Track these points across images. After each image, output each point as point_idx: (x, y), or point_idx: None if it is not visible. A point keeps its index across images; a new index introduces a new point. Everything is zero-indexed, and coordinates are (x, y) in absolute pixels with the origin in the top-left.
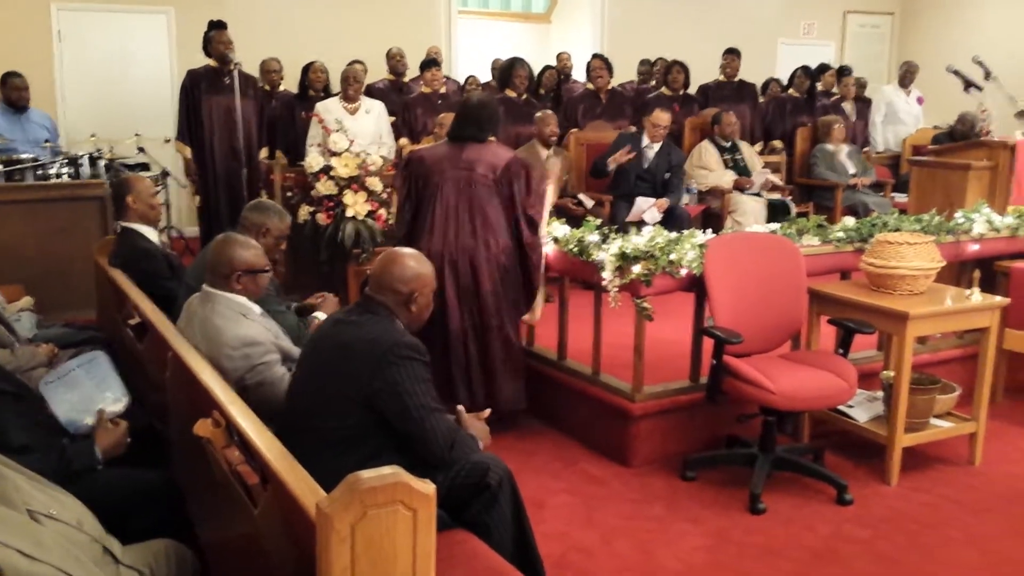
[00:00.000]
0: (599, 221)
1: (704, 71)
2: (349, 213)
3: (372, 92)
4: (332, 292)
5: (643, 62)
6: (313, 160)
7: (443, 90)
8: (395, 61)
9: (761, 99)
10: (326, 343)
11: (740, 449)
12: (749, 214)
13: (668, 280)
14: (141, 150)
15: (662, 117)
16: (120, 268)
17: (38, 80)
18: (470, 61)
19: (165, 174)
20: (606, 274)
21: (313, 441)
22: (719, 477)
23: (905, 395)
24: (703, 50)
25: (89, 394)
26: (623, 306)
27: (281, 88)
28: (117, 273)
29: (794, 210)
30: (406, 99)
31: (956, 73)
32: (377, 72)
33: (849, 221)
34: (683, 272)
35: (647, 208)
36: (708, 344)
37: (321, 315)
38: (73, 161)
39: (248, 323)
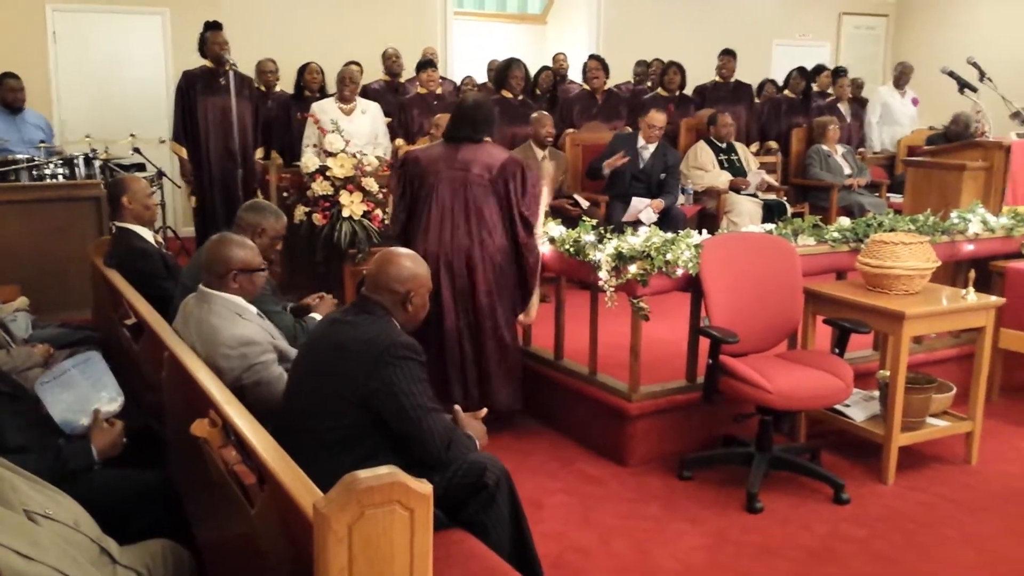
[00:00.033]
0: (595, 221)
1: (700, 72)
2: (345, 213)
3: (368, 93)
4: (328, 292)
5: (639, 63)
6: (309, 161)
7: (439, 91)
8: (391, 62)
9: (757, 100)
10: (322, 343)
11: (737, 448)
12: (745, 214)
13: (664, 280)
14: (136, 151)
15: (657, 118)
16: (116, 268)
17: (33, 81)
18: (466, 62)
19: (160, 175)
20: (602, 274)
21: (309, 441)
22: (716, 477)
23: (901, 394)
24: (699, 51)
25: (85, 394)
26: (619, 306)
27: (277, 89)
28: (113, 273)
29: (790, 210)
30: (402, 100)
31: (951, 74)
32: (373, 73)
33: (845, 221)
34: (679, 272)
35: (643, 208)
36: (704, 344)
37: (317, 316)
38: (68, 162)
39: (244, 323)
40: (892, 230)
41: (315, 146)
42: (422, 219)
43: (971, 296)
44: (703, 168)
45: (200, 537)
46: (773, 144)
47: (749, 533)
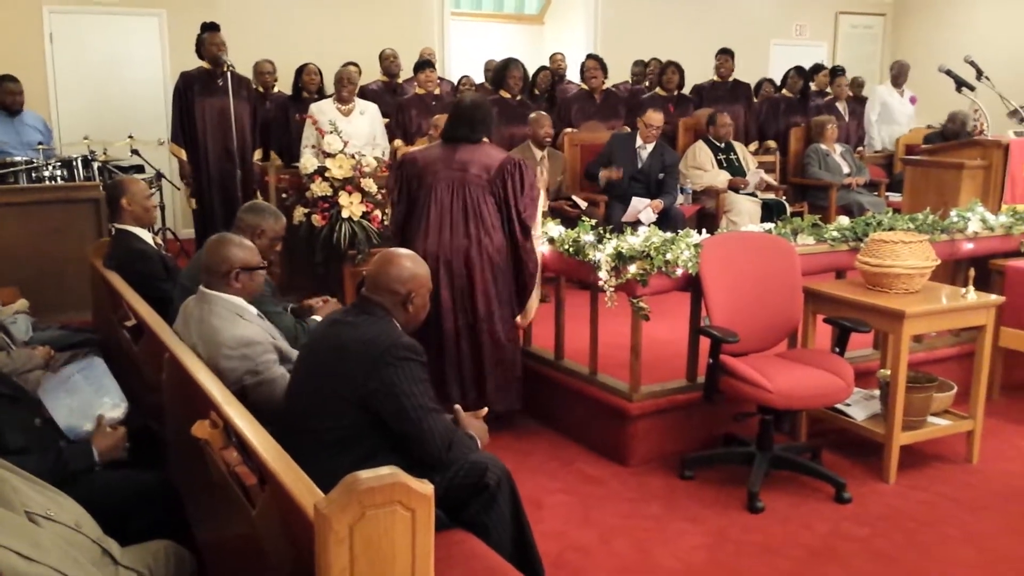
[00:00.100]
0: (594, 221)
1: (698, 72)
2: (344, 214)
3: (366, 94)
4: (329, 293)
5: (637, 63)
6: (307, 162)
7: (437, 91)
8: (388, 62)
9: (755, 100)
10: (323, 344)
11: (738, 448)
12: (744, 214)
13: (664, 280)
14: (135, 152)
15: (655, 117)
16: (115, 270)
17: (31, 83)
18: (463, 63)
19: (159, 176)
20: (602, 274)
21: (310, 442)
22: (717, 476)
23: (902, 393)
24: (696, 51)
25: (88, 399)
26: (619, 306)
27: (275, 90)
28: (112, 275)
29: (789, 210)
30: (400, 100)
31: (948, 73)
32: (371, 74)
33: (844, 220)
34: (679, 272)
35: (643, 208)
36: (705, 343)
37: (319, 318)
38: (67, 163)
39: (245, 323)
40: (891, 229)
41: (314, 147)
42: (421, 220)
43: (971, 295)
44: (702, 168)
45: (201, 538)
46: (771, 143)
47: (750, 532)
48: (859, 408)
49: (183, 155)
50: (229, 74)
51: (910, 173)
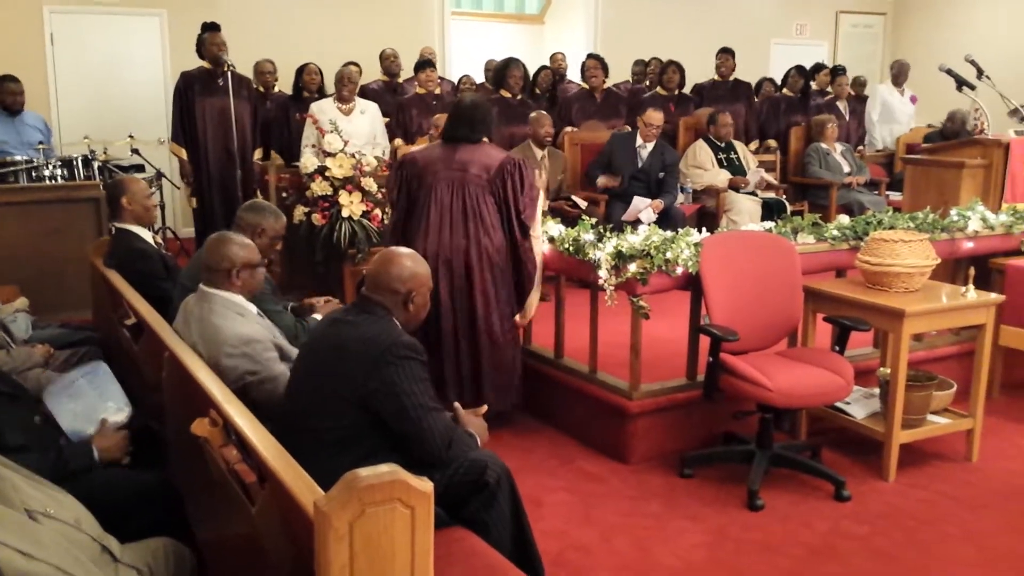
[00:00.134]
0: (594, 220)
1: (698, 71)
2: (344, 214)
3: (366, 93)
4: (328, 293)
5: (637, 62)
6: (308, 161)
7: (438, 91)
8: (389, 62)
9: (755, 99)
10: (323, 343)
11: (737, 446)
12: (744, 213)
13: (664, 279)
14: (135, 152)
15: (655, 116)
16: (115, 269)
17: (31, 82)
18: (464, 62)
19: (160, 176)
20: (602, 273)
21: (310, 441)
22: (717, 474)
23: (902, 392)
24: (696, 50)
25: (92, 404)
26: (619, 305)
27: (275, 90)
28: (112, 274)
29: (789, 209)
30: (401, 100)
31: (949, 72)
32: (371, 73)
33: (844, 219)
34: (679, 271)
35: (643, 208)
36: (705, 342)
37: (319, 316)
38: (67, 163)
39: (246, 321)
40: (892, 228)
41: (314, 146)
42: (421, 220)
43: (971, 293)
44: (702, 167)
45: (201, 536)
46: (772, 143)
47: (750, 530)
48: (859, 406)
49: (183, 154)
50: (230, 74)
51: (910, 172)
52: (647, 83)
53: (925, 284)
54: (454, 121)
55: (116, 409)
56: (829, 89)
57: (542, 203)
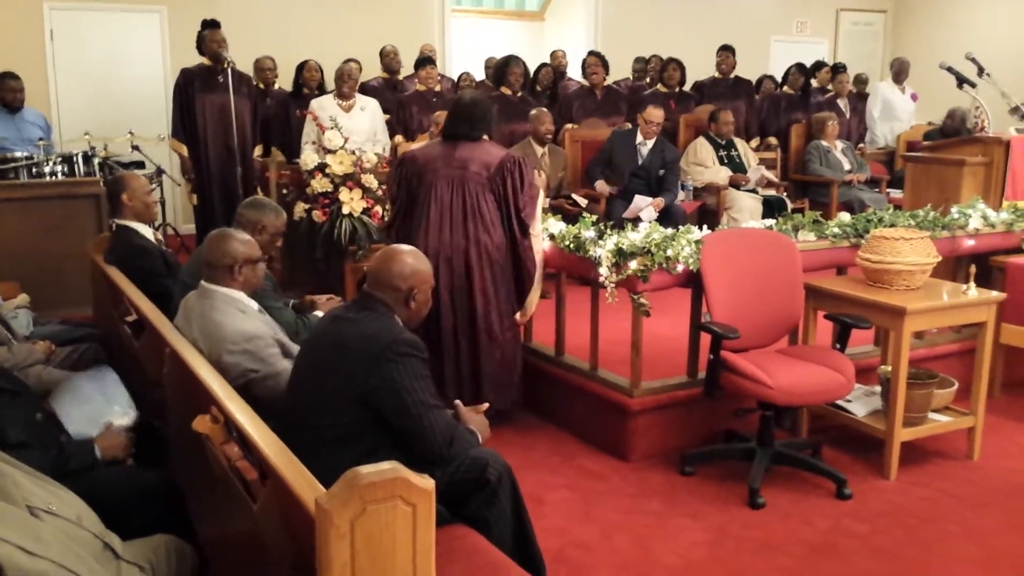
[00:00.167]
0: (595, 217)
1: (699, 68)
2: (345, 210)
3: (366, 90)
4: (329, 290)
5: (638, 59)
6: (308, 158)
7: (438, 88)
8: (389, 59)
9: (756, 96)
10: (324, 340)
11: (738, 444)
12: (745, 210)
13: (665, 276)
14: (135, 148)
15: (655, 114)
16: (116, 265)
17: (32, 79)
18: (464, 59)
19: (160, 172)
20: (603, 270)
21: (311, 438)
22: (717, 472)
23: (903, 390)
24: (696, 47)
25: (99, 408)
26: (620, 302)
27: (276, 86)
28: (113, 270)
29: (790, 206)
30: (401, 97)
31: (950, 70)
32: (371, 70)
33: (845, 217)
34: (680, 268)
35: (644, 207)
36: (705, 339)
37: (320, 313)
38: (67, 159)
39: (247, 318)
40: (892, 225)
41: (314, 143)
42: (421, 218)
43: (972, 291)
44: (703, 164)
45: (202, 533)
46: (773, 140)
47: (750, 528)
48: (860, 404)
49: (184, 151)
50: (230, 70)
51: (911, 170)
52: (648, 80)
53: (926, 282)
54: (454, 119)
55: (121, 413)
56: (830, 87)
57: (542, 201)
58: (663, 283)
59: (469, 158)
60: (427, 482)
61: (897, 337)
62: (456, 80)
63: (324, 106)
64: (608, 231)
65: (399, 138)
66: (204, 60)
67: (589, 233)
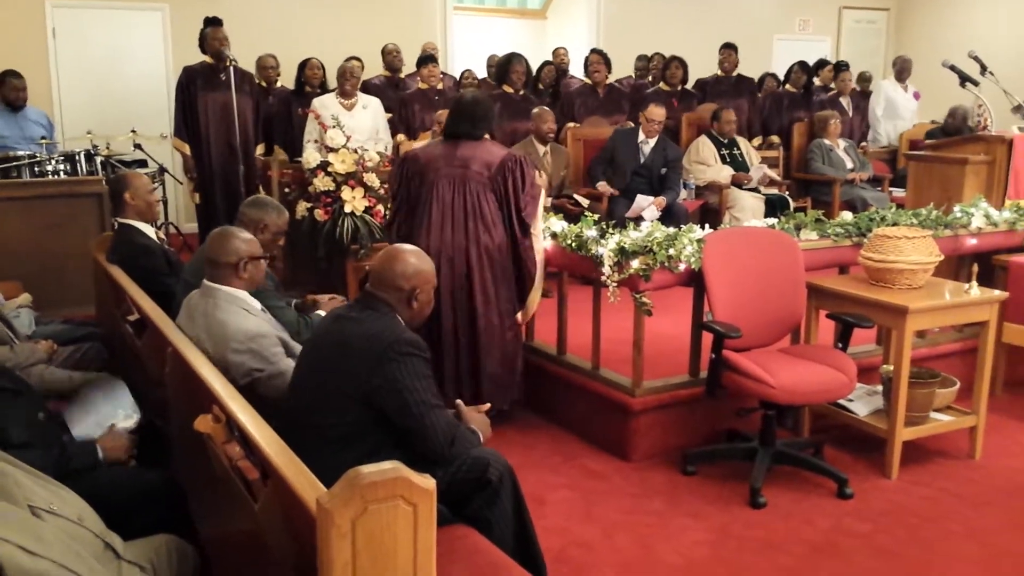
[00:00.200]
0: (597, 216)
1: (701, 66)
2: (347, 209)
3: (368, 88)
4: (331, 288)
5: (640, 57)
6: (310, 156)
7: (440, 86)
8: (391, 57)
9: (758, 95)
10: (326, 340)
11: (740, 443)
12: (747, 209)
13: (667, 275)
14: (138, 147)
15: (656, 112)
16: (118, 264)
17: (34, 78)
18: (466, 58)
19: (162, 171)
20: (605, 269)
21: (313, 438)
22: (719, 471)
23: (904, 389)
24: (699, 46)
25: (104, 412)
26: (622, 301)
27: (278, 85)
28: (115, 269)
29: (792, 205)
30: (403, 95)
31: (952, 68)
32: (373, 68)
33: (847, 216)
34: (682, 267)
35: (646, 206)
36: (707, 339)
37: (322, 313)
38: (69, 158)
39: (251, 316)
40: (895, 224)
41: (316, 142)
42: (423, 217)
43: (974, 290)
44: (705, 163)
45: (204, 533)
46: (775, 138)
47: (752, 528)
48: (862, 404)
49: (187, 149)
50: (232, 69)
51: (914, 168)
52: (650, 78)
53: (928, 281)
54: (455, 117)
55: (125, 416)
56: (832, 85)
57: (543, 200)
58: (665, 282)
59: (471, 157)
60: (428, 482)
61: (899, 336)
62: (458, 78)
63: (326, 104)
64: (610, 230)
65: (401, 137)
66: (206, 58)
67: (591, 232)
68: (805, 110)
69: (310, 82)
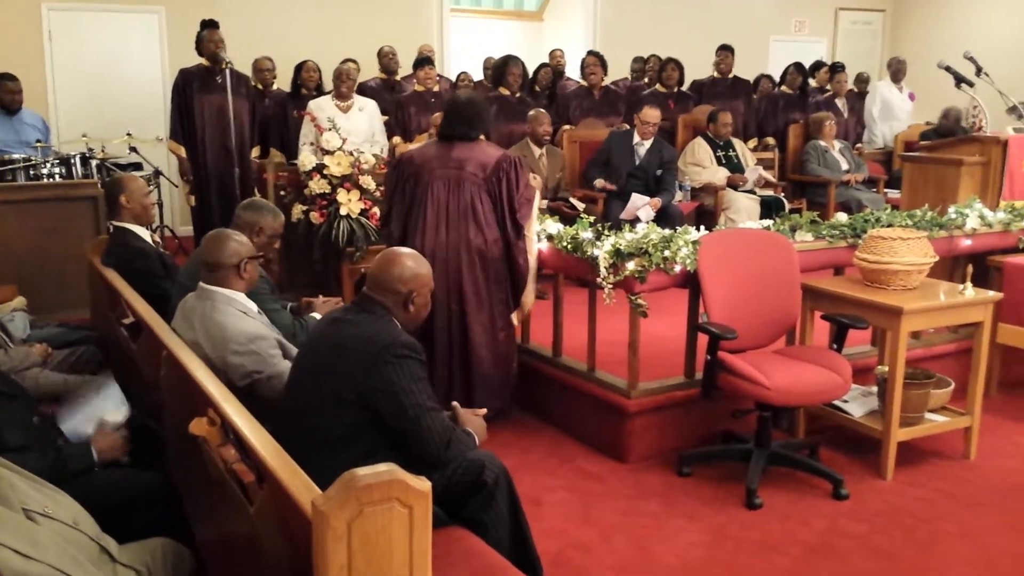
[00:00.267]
0: (592, 218)
1: (697, 68)
2: (343, 212)
3: (364, 91)
4: (326, 291)
5: (636, 59)
6: (306, 159)
7: (436, 88)
8: (387, 59)
9: (754, 96)
10: (322, 342)
11: (736, 445)
12: (742, 211)
13: (662, 277)
14: (133, 150)
15: (651, 114)
16: (114, 267)
17: (29, 80)
18: (463, 60)
19: (158, 174)
20: (600, 271)
21: (309, 440)
22: (715, 473)
23: (899, 390)
24: (695, 47)
25: (93, 404)
26: (618, 303)
27: (274, 87)
28: (110, 272)
29: (787, 206)
30: (399, 97)
31: (948, 69)
32: (369, 71)
33: (842, 217)
34: (677, 269)
35: (641, 206)
36: (703, 340)
37: (318, 316)
38: (65, 161)
39: (248, 318)
40: (890, 225)
41: (312, 144)
42: (418, 218)
43: (969, 291)
44: (700, 164)
45: (199, 536)
46: (770, 140)
47: (748, 529)
48: (857, 405)
49: (182, 152)
50: (228, 71)
51: (909, 170)
52: (646, 80)
53: (923, 282)
54: (450, 119)
55: (114, 408)
56: (828, 86)
57: (538, 202)
58: (660, 284)
59: (466, 158)
60: (424, 484)
61: (894, 337)
62: (454, 80)
63: (322, 107)
64: (606, 232)
65: (397, 139)
66: (202, 61)
67: (587, 234)
68: (801, 112)
69: (306, 84)
